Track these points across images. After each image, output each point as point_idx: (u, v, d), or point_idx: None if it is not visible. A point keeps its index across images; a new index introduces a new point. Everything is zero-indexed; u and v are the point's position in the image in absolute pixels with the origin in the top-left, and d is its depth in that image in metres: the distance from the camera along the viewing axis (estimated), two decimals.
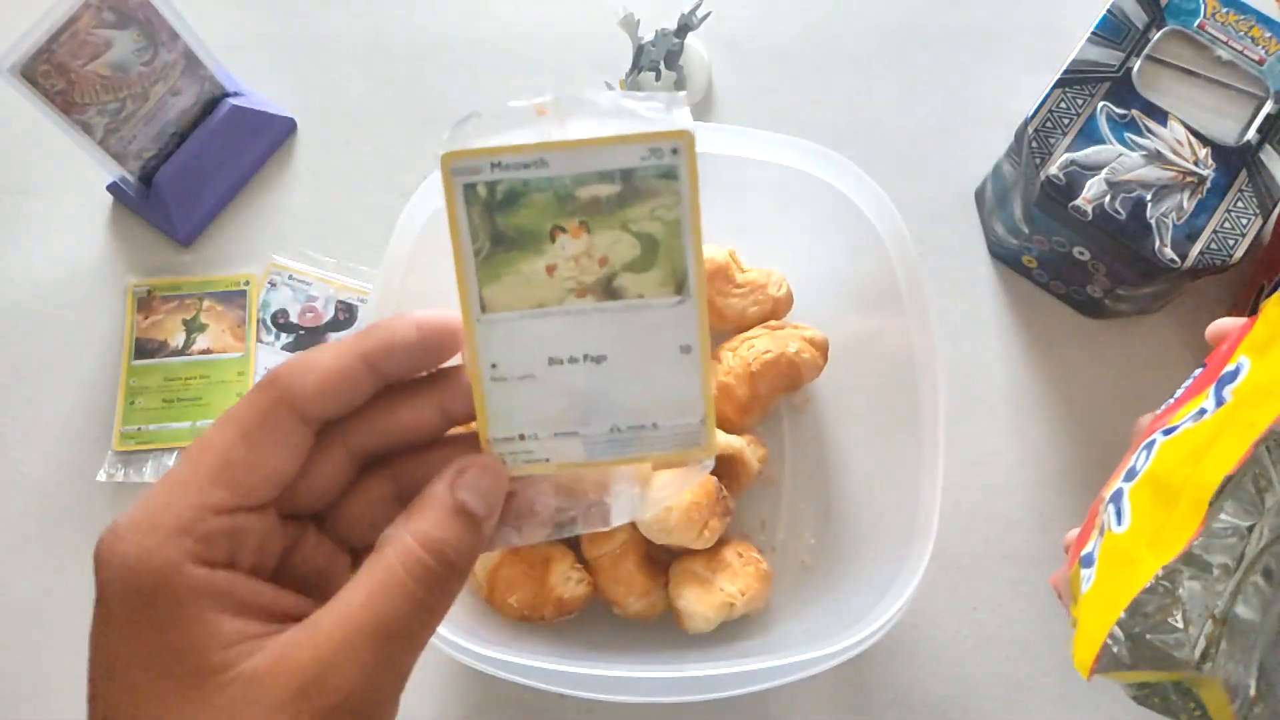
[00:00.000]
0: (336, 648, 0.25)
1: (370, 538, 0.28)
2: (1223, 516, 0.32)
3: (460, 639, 0.50)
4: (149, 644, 0.25)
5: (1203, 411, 0.35)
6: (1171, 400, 0.39)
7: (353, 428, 0.29)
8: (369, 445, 0.29)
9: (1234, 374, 0.34)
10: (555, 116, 0.30)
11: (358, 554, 0.28)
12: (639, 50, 0.70)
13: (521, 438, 0.31)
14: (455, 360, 0.30)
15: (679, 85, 0.73)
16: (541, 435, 0.31)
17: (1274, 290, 0.64)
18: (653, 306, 0.31)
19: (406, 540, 0.27)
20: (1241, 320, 0.38)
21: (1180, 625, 0.31)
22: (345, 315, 0.68)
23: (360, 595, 0.26)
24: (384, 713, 0.26)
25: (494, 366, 0.31)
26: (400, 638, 0.26)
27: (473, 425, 0.30)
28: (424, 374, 0.30)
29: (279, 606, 0.27)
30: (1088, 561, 0.36)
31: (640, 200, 0.30)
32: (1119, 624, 0.32)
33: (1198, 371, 0.39)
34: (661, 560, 0.59)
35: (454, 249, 0.30)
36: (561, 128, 0.30)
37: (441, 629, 0.50)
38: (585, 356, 0.31)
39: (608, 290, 0.31)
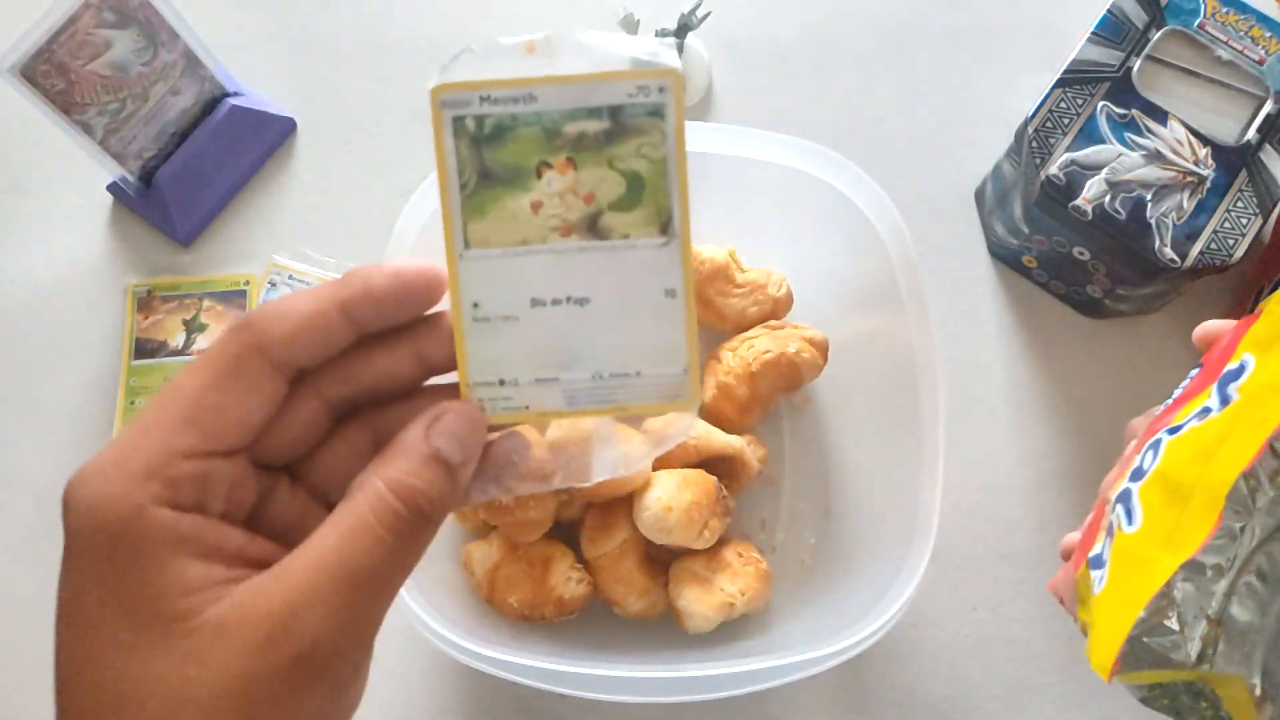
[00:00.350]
0: (304, 594, 0.24)
1: (345, 490, 0.27)
2: None
3: (460, 639, 0.50)
4: (112, 589, 0.24)
5: (1207, 410, 0.35)
6: (1170, 401, 0.39)
7: (328, 376, 0.28)
8: (345, 394, 0.29)
9: (1238, 371, 0.34)
10: (544, 53, 0.31)
11: (332, 507, 0.27)
12: None
13: (501, 383, 0.31)
14: (434, 310, 0.30)
15: None
16: (522, 381, 0.31)
17: (1274, 289, 0.64)
18: (638, 247, 0.31)
19: (378, 486, 0.26)
20: (1229, 322, 0.38)
21: (1175, 627, 0.31)
22: None
23: (330, 541, 0.25)
24: (353, 661, 0.26)
25: (476, 306, 0.31)
26: (370, 585, 0.25)
27: (452, 376, 0.30)
28: (402, 323, 0.29)
29: (249, 552, 0.26)
30: (1097, 563, 0.36)
31: (627, 137, 0.30)
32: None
33: (1194, 372, 0.39)
34: (661, 560, 0.59)
35: (440, 184, 0.30)
36: (550, 64, 0.30)
37: (442, 629, 0.50)
38: (569, 298, 0.31)
39: (593, 229, 0.30)
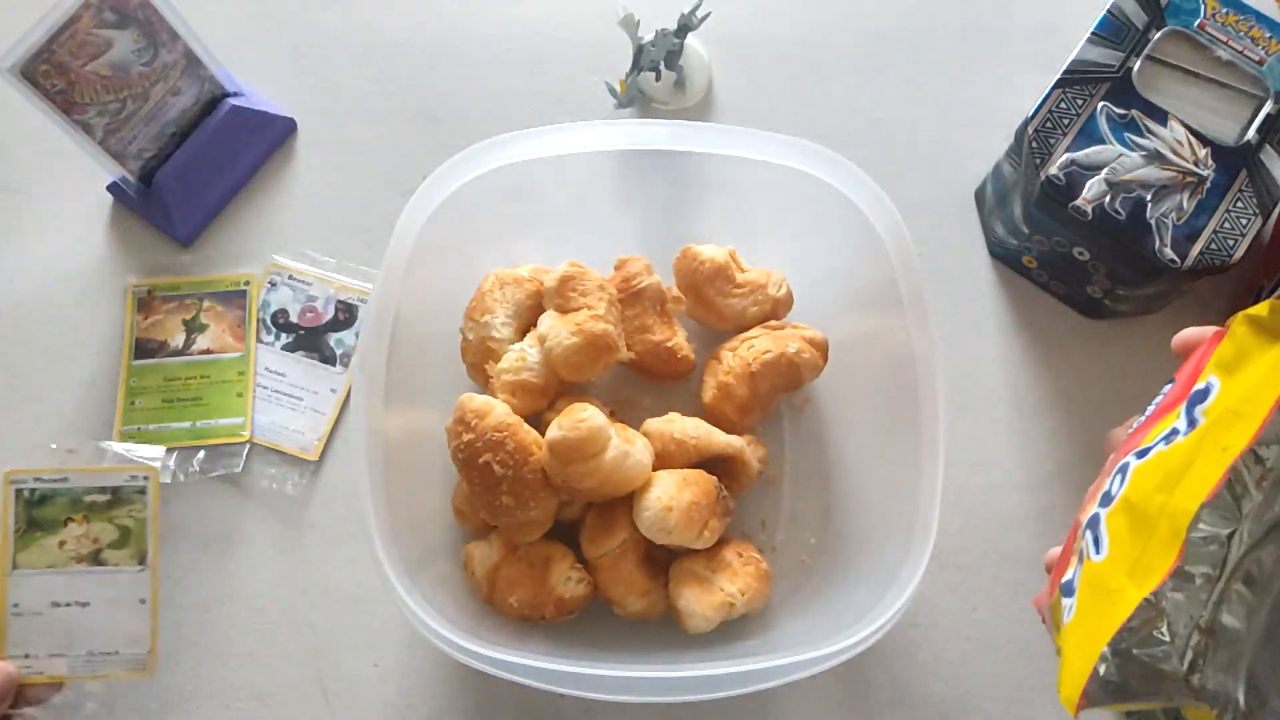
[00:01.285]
0: None
1: None
2: (1201, 525, 0.31)
3: (460, 639, 0.50)
4: None
5: (1175, 432, 0.34)
6: (1144, 417, 0.39)
7: None
8: None
9: (1204, 394, 0.34)
10: (77, 451, 0.59)
11: None
12: (639, 50, 0.70)
13: (26, 656, 0.54)
14: None
15: (679, 85, 0.73)
16: (41, 655, 0.55)
17: (1274, 290, 0.64)
18: (124, 572, 0.55)
19: None
20: (1208, 330, 0.38)
21: (1166, 638, 0.31)
22: (345, 315, 0.68)
23: None
24: None
25: (16, 605, 0.55)
26: None
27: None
28: None
29: None
30: (1068, 590, 0.36)
31: (122, 504, 0.56)
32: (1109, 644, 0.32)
33: (1167, 387, 0.38)
34: (661, 560, 0.59)
35: (2, 529, 0.55)
36: (78, 458, 0.58)
37: (442, 629, 0.50)
38: (75, 602, 0.55)
39: (96, 559, 0.55)
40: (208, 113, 0.69)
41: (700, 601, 0.55)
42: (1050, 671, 0.62)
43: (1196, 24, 0.63)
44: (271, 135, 0.72)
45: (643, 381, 0.64)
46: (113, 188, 0.70)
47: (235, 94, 0.70)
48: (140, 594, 0.56)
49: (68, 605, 0.55)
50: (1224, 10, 0.63)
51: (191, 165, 0.69)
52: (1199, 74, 0.63)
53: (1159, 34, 0.63)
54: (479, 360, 0.60)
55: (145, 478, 0.56)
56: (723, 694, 0.49)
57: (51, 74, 0.59)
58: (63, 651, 0.55)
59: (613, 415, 0.59)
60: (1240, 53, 0.63)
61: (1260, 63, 0.62)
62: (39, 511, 0.56)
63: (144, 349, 0.67)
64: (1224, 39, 0.63)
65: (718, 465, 0.59)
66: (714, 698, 0.49)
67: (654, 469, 0.56)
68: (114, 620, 0.55)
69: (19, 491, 0.55)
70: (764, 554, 0.59)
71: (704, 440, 0.58)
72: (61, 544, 0.56)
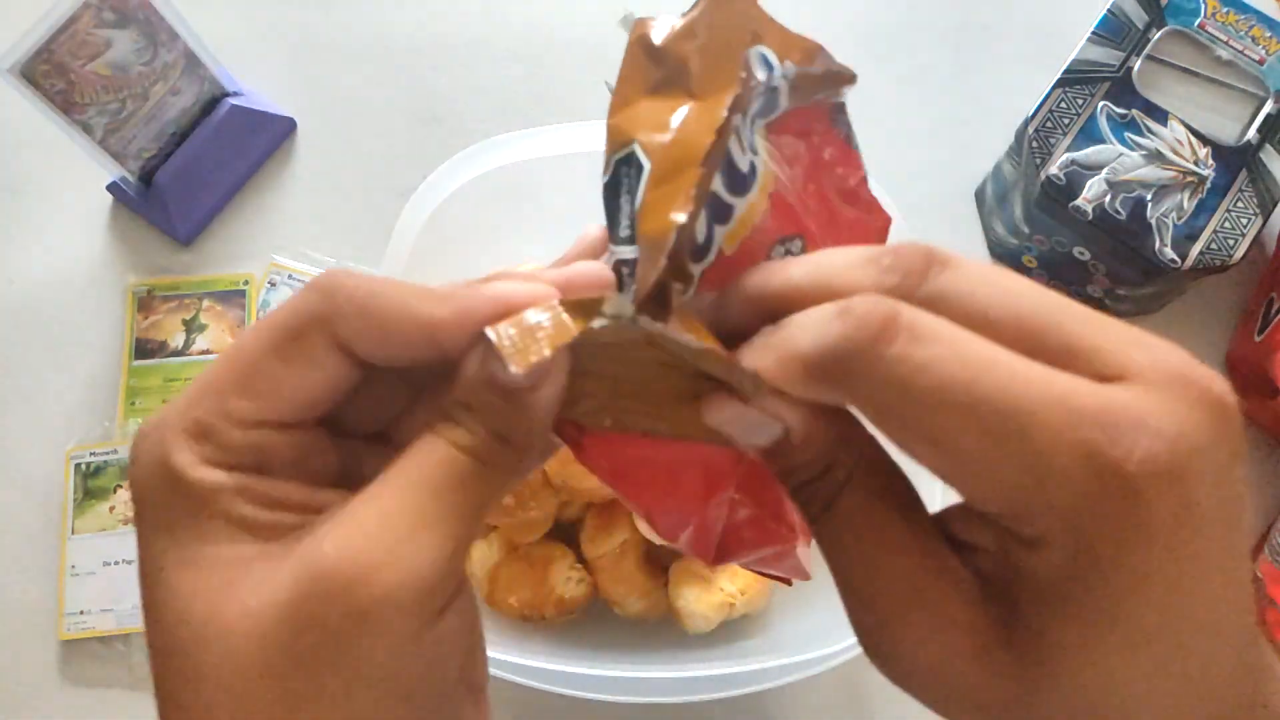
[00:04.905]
0: (368, 524, 0.22)
1: None
2: None
3: None
4: (177, 546, 0.23)
5: None
6: None
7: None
8: (422, 378, 0.27)
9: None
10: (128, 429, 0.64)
11: None
12: None
13: (81, 612, 0.60)
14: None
15: None
16: (94, 611, 0.60)
17: None
18: None
19: (441, 413, 0.24)
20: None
21: None
22: None
23: (391, 474, 0.23)
24: (434, 592, 0.23)
25: (73, 567, 0.61)
26: (444, 507, 0.23)
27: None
28: None
29: (315, 502, 0.24)
30: None
31: None
32: None
33: None
34: (661, 560, 0.59)
35: (64, 496, 0.62)
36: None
37: None
38: (122, 560, 0.61)
39: None
40: (208, 113, 0.69)
41: (700, 601, 0.55)
42: None
43: (1197, 23, 0.63)
44: (271, 135, 0.72)
45: None
46: (113, 188, 0.70)
47: (235, 94, 0.70)
48: None
49: (116, 564, 0.61)
50: (1224, 10, 0.63)
51: (191, 165, 0.69)
52: (1199, 74, 0.63)
53: (1159, 33, 0.63)
54: None
55: None
56: (723, 694, 0.49)
57: (51, 74, 0.59)
58: (112, 606, 0.60)
59: None
60: (1241, 52, 0.63)
61: (1260, 62, 0.62)
62: (94, 481, 0.63)
63: (144, 349, 0.67)
64: (1224, 38, 0.63)
65: None
66: (714, 698, 0.49)
67: None
68: None
69: (77, 465, 0.63)
70: None
71: None
72: (111, 509, 0.62)
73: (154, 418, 0.24)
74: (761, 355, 0.23)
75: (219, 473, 0.23)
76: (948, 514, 0.24)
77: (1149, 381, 0.20)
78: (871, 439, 0.23)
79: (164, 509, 0.24)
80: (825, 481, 0.24)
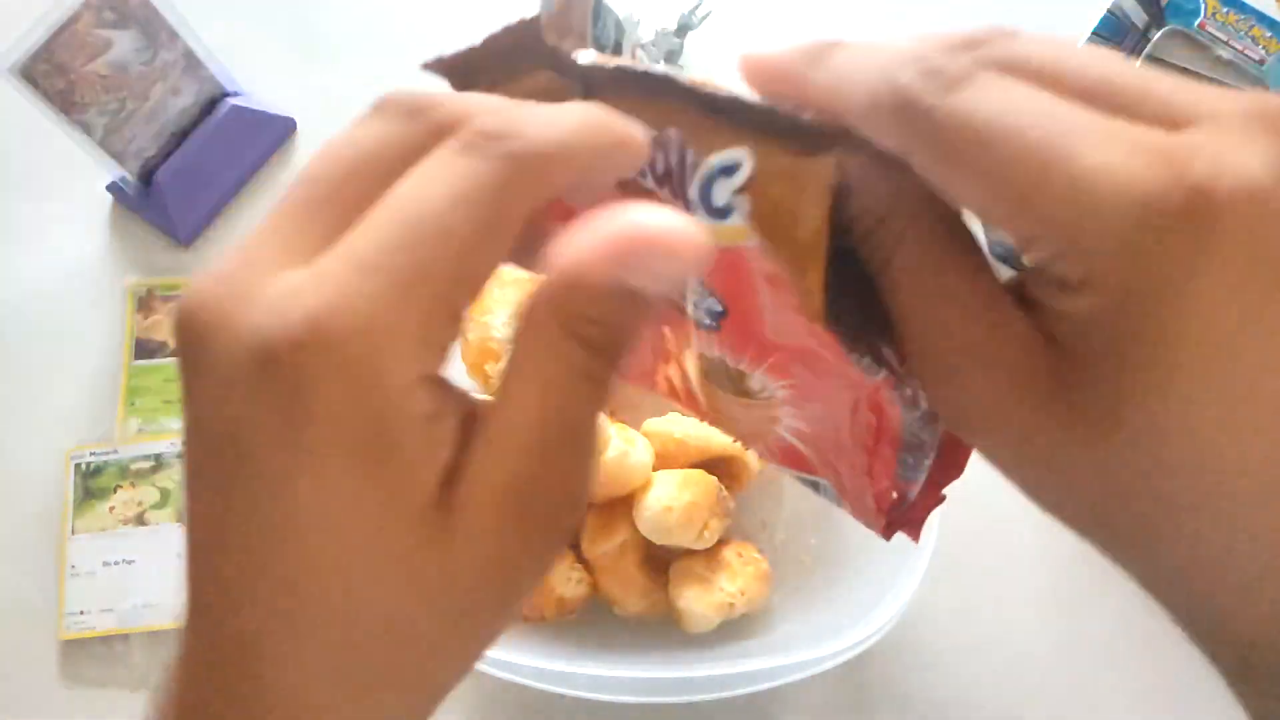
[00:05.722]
0: (533, 455, 0.21)
1: None
2: None
3: None
4: (375, 483, 0.19)
5: None
6: None
7: None
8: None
9: None
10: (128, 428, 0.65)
11: None
12: (639, 50, 0.70)
13: (81, 612, 0.60)
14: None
15: None
16: (93, 610, 0.60)
17: None
18: (164, 529, 0.62)
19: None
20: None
21: None
22: None
23: (532, 393, 0.21)
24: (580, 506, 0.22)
25: (73, 567, 0.61)
26: (580, 431, 0.22)
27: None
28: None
29: (462, 407, 0.22)
30: None
31: (163, 469, 0.63)
32: None
33: None
34: (661, 560, 0.59)
35: (64, 498, 0.62)
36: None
37: None
38: (123, 560, 0.61)
39: (140, 520, 0.62)
40: (208, 113, 0.69)
41: (700, 601, 0.55)
42: (1051, 671, 0.62)
43: (1196, 23, 0.63)
44: (271, 135, 0.72)
45: None
46: (112, 188, 0.70)
47: (235, 94, 0.70)
48: (178, 548, 0.59)
49: (116, 564, 0.61)
50: (1224, 10, 0.63)
51: (191, 165, 0.69)
52: (1199, 74, 0.63)
53: (1159, 33, 0.63)
54: (479, 360, 0.60)
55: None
56: (723, 694, 0.49)
57: (51, 74, 0.59)
58: (112, 606, 0.60)
59: (613, 415, 0.59)
60: (1240, 52, 0.63)
61: (1260, 63, 0.62)
62: (94, 482, 0.63)
63: (144, 349, 0.67)
64: (1224, 38, 0.63)
65: (718, 465, 0.59)
66: (714, 698, 0.49)
67: (654, 469, 0.56)
68: (155, 574, 0.61)
69: (77, 465, 0.63)
70: (764, 554, 0.59)
71: (704, 440, 0.58)
72: (111, 509, 0.62)
73: (346, 307, 0.19)
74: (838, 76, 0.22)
75: (429, 396, 0.20)
76: (1017, 279, 0.23)
77: (1225, 121, 0.19)
78: (930, 195, 0.22)
79: (365, 444, 0.19)
80: (883, 232, 0.22)
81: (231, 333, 0.19)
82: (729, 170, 0.23)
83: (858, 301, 0.23)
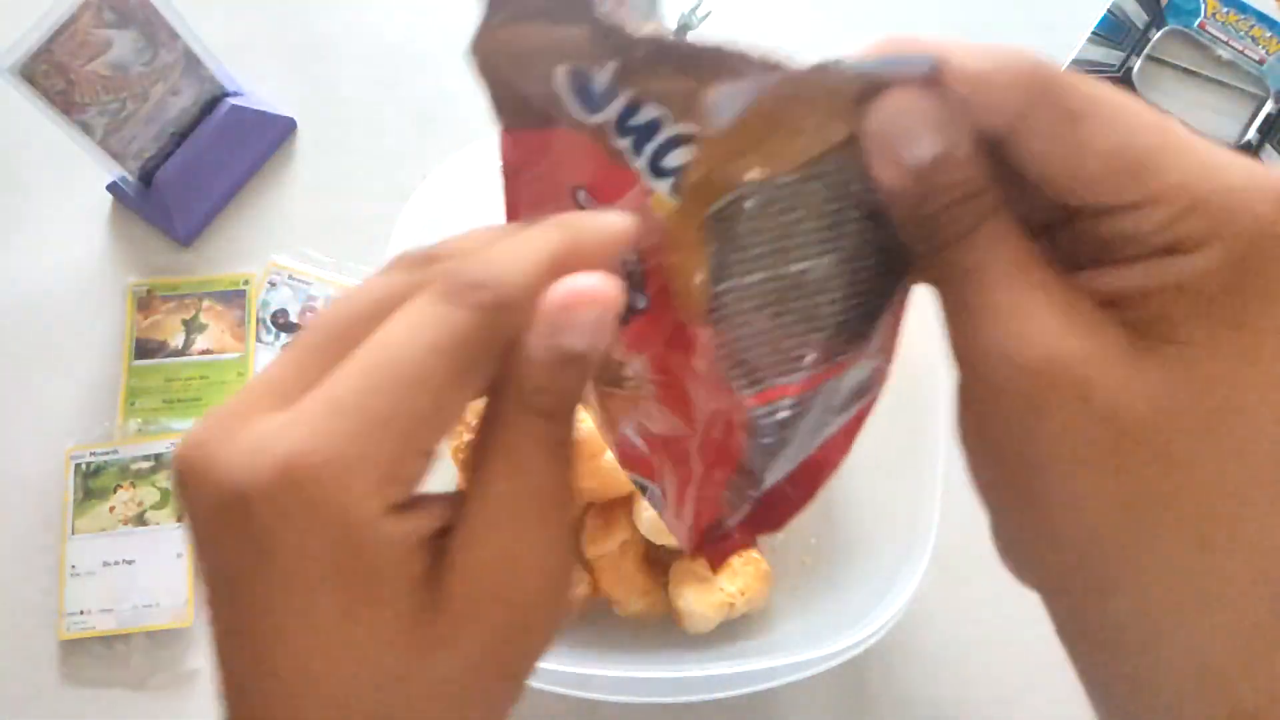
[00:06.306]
0: (510, 541, 0.22)
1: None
2: None
3: None
4: (352, 598, 0.21)
5: None
6: None
7: None
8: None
9: None
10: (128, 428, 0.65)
11: None
12: None
13: (81, 612, 0.60)
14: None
15: None
16: (93, 610, 0.60)
17: None
18: (164, 529, 0.62)
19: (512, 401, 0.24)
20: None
21: None
22: None
23: (501, 474, 0.23)
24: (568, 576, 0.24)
25: (73, 567, 0.61)
26: (559, 500, 0.23)
27: None
28: None
29: (434, 511, 0.23)
30: None
31: (164, 469, 0.63)
32: None
33: None
34: (661, 560, 0.59)
35: (64, 498, 0.62)
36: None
37: None
38: (122, 560, 0.61)
39: (140, 520, 0.62)
40: (208, 113, 0.69)
41: (700, 601, 0.55)
42: (1051, 671, 0.62)
43: (1197, 23, 0.63)
44: (271, 135, 0.72)
45: None
46: (112, 188, 0.70)
47: (235, 94, 0.70)
48: (178, 549, 0.61)
49: (116, 564, 0.61)
50: (1224, 10, 0.63)
51: (191, 165, 0.69)
52: (1199, 74, 0.63)
53: (1159, 33, 0.63)
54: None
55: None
56: (723, 694, 0.49)
57: (51, 74, 0.59)
58: (112, 606, 0.60)
59: None
60: (1241, 52, 0.63)
61: (1260, 62, 0.62)
62: (94, 482, 0.63)
63: (144, 349, 0.67)
64: (1224, 38, 0.63)
65: None
66: (714, 698, 0.49)
67: None
68: (155, 574, 0.61)
69: (77, 465, 0.63)
70: (764, 554, 0.59)
71: None
72: (111, 509, 0.62)
73: (325, 456, 0.20)
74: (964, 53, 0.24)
75: (399, 521, 0.22)
76: (1085, 276, 0.24)
77: None
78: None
79: (336, 568, 0.21)
80: (978, 202, 0.23)
81: (213, 477, 0.21)
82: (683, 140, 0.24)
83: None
